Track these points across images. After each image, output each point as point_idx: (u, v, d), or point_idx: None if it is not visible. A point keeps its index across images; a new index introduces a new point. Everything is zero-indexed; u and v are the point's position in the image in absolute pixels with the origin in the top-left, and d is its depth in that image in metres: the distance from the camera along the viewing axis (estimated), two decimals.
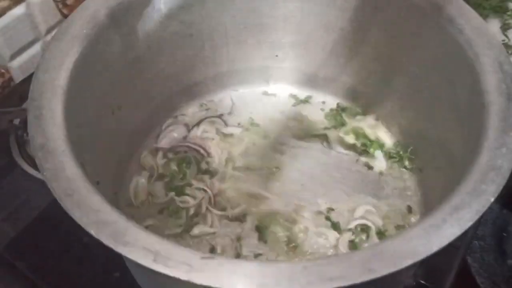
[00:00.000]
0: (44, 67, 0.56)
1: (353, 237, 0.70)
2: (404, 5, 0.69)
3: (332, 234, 0.70)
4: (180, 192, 0.74)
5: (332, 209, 0.73)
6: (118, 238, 0.42)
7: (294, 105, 0.87)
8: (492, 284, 0.75)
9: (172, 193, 0.74)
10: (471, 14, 0.64)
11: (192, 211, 0.72)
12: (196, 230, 0.70)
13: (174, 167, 0.77)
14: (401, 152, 0.79)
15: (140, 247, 0.41)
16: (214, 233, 0.71)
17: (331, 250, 0.69)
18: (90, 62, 0.60)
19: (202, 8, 0.74)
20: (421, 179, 0.75)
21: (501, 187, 0.47)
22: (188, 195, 0.74)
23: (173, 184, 0.75)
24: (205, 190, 0.74)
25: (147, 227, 0.68)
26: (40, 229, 0.74)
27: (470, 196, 0.47)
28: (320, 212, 0.73)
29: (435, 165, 0.70)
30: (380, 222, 0.71)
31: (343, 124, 0.83)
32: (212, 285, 0.40)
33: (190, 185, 0.75)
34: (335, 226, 0.71)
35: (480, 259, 0.77)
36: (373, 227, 0.70)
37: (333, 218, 0.72)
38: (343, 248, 0.69)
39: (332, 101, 0.86)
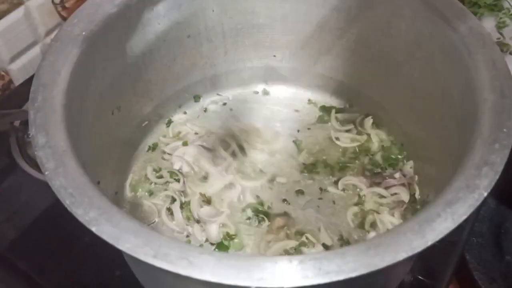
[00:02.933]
0: (44, 68, 0.56)
1: None
2: (398, 4, 0.70)
3: None
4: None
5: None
6: (119, 235, 0.42)
7: (292, 105, 0.87)
8: (490, 280, 0.75)
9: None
10: (465, 12, 0.64)
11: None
12: None
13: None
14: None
15: (141, 243, 0.42)
16: None
17: None
18: (89, 64, 0.61)
19: (199, 9, 0.75)
20: (417, 175, 0.75)
21: (494, 182, 0.48)
22: None
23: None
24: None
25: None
26: (42, 229, 0.74)
27: (464, 191, 0.47)
28: None
29: (431, 161, 0.71)
30: None
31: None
32: (211, 280, 0.41)
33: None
34: None
35: (477, 255, 0.77)
36: None
37: None
38: None
39: (329, 101, 0.87)
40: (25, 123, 0.82)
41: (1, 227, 0.75)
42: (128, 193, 0.75)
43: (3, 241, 0.73)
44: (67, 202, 0.44)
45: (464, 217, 0.45)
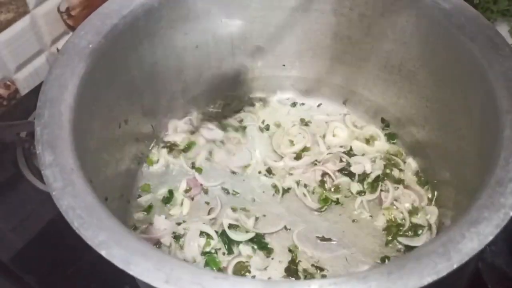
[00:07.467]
0: (51, 83, 0.55)
1: None
2: (413, 13, 0.68)
3: None
4: None
5: None
6: (129, 259, 0.41)
7: (300, 115, 0.86)
8: None
9: None
10: (482, 21, 0.63)
11: None
12: None
13: None
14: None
15: (152, 267, 0.41)
16: None
17: None
18: (96, 77, 0.60)
19: (207, 19, 0.74)
20: (436, 191, 0.74)
21: None
22: None
23: None
24: None
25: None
26: (47, 241, 0.73)
27: (489, 210, 0.46)
28: None
29: (450, 176, 0.69)
30: None
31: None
32: None
33: None
34: None
35: (491, 264, 0.76)
36: None
37: None
38: None
39: (339, 110, 0.86)
40: (32, 134, 0.82)
41: (6, 238, 0.74)
42: (136, 208, 0.74)
43: (8, 251, 0.72)
44: (75, 224, 0.43)
45: (491, 237, 0.44)
